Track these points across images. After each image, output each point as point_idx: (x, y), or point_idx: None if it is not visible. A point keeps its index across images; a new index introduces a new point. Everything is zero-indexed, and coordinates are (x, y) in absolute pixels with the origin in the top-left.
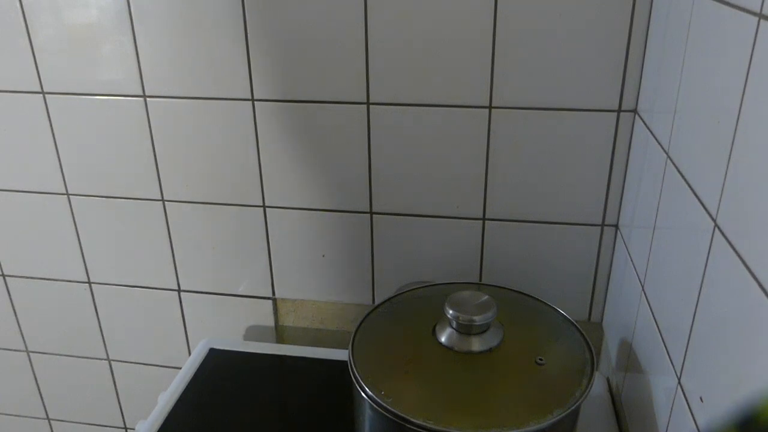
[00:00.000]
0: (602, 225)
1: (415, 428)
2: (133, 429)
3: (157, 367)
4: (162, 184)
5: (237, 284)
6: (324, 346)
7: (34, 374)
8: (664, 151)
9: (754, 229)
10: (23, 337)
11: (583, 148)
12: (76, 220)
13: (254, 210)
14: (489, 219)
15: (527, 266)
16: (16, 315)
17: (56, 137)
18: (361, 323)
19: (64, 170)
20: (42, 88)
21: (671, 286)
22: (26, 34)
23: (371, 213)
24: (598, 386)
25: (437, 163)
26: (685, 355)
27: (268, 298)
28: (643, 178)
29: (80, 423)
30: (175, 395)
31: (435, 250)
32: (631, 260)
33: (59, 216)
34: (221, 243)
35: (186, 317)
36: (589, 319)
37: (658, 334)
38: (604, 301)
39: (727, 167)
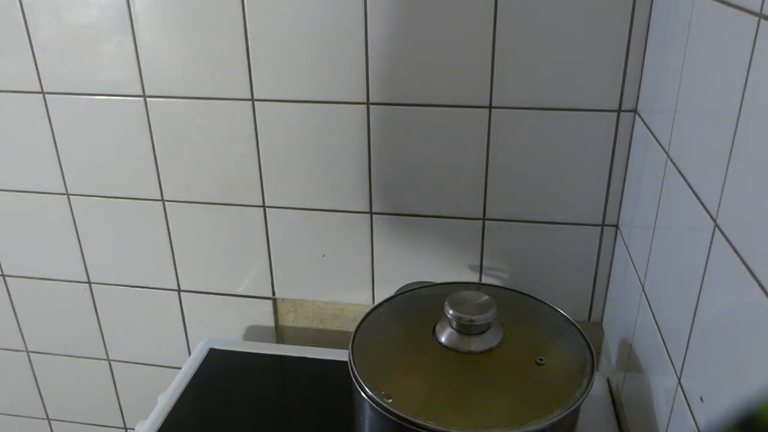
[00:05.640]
0: (602, 225)
1: (415, 428)
2: (133, 429)
3: (157, 367)
4: (162, 184)
5: (237, 284)
6: (324, 346)
7: (34, 374)
8: (664, 151)
9: (754, 229)
10: (23, 337)
11: (583, 148)
12: (76, 220)
13: (254, 210)
14: (489, 219)
15: (527, 266)
16: (16, 315)
17: (56, 137)
18: (361, 323)
19: (64, 170)
20: (42, 88)
21: (671, 286)
22: (26, 34)
23: (371, 213)
24: (598, 386)
25: (437, 163)
26: (685, 355)
27: (268, 298)
28: (643, 178)
29: (80, 423)
30: (175, 395)
31: (435, 250)
32: (631, 260)
33: (59, 216)
34: (221, 243)
35: (186, 317)
36: (589, 319)
37: (658, 334)
38: (604, 301)
39: (727, 167)
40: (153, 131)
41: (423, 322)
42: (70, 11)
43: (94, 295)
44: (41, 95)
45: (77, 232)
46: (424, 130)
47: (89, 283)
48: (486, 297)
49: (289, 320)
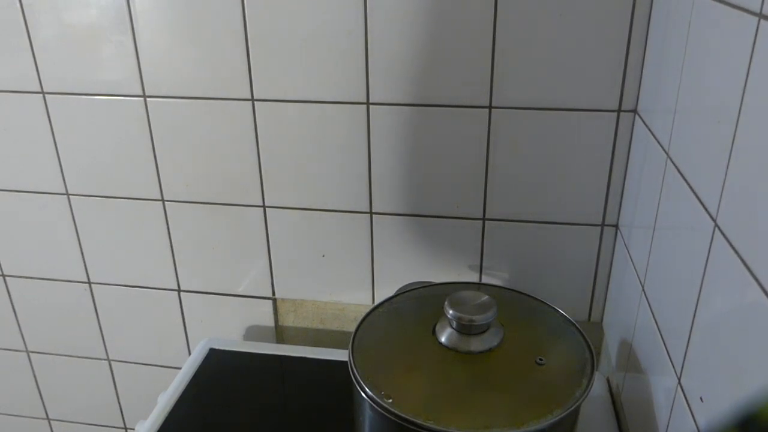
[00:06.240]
0: (602, 225)
1: (415, 428)
2: (133, 429)
3: (157, 367)
4: (162, 184)
5: (237, 284)
6: (324, 346)
7: (34, 374)
8: (664, 151)
9: (754, 229)
10: (23, 337)
11: (583, 148)
12: (76, 220)
13: (254, 210)
14: (489, 219)
15: (527, 266)
16: (16, 315)
17: (56, 137)
18: (361, 323)
19: (64, 170)
20: (42, 88)
21: (671, 286)
22: (26, 34)
23: (371, 213)
24: (598, 386)
25: (437, 163)
26: (685, 355)
27: (268, 298)
28: (643, 178)
29: (80, 423)
30: (175, 395)
31: (435, 250)
32: (631, 260)
33: (59, 216)
34: (221, 243)
35: (186, 317)
36: (589, 319)
37: (658, 334)
38: (604, 301)
39: (727, 167)
40: (153, 131)
41: (423, 322)
42: (70, 11)
43: (94, 295)
44: (41, 95)
45: (77, 232)
46: (424, 130)
47: (89, 283)
48: (486, 297)
49: (289, 320)
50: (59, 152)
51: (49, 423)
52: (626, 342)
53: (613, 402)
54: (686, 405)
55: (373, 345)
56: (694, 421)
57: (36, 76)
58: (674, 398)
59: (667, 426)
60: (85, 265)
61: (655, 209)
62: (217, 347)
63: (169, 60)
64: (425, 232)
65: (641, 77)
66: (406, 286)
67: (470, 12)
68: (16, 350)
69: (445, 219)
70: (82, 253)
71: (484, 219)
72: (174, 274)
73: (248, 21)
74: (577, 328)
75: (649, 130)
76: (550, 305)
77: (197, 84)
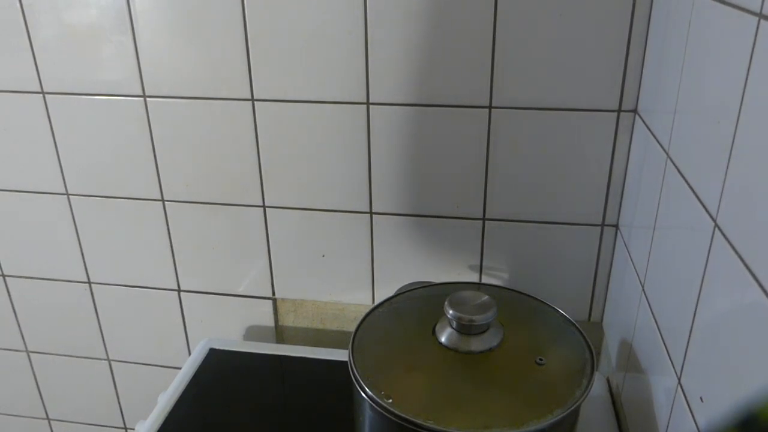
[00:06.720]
0: (602, 225)
1: (415, 428)
2: (133, 429)
3: (157, 367)
4: (162, 184)
5: (237, 284)
6: (324, 346)
7: (34, 374)
8: (664, 151)
9: (754, 229)
10: (23, 337)
11: (583, 148)
12: (76, 220)
13: (254, 210)
14: (489, 219)
15: (527, 266)
16: (16, 315)
17: (56, 137)
18: (361, 323)
19: (64, 170)
20: (42, 88)
21: (671, 286)
22: (26, 34)
23: (371, 213)
24: (598, 386)
25: (437, 163)
26: (685, 355)
27: (268, 298)
28: (643, 178)
29: (80, 423)
30: (175, 395)
31: (435, 250)
32: (631, 260)
33: (59, 216)
34: (221, 243)
35: (186, 317)
36: (589, 319)
37: (658, 334)
38: (604, 301)
39: (727, 167)
40: (153, 131)
41: (423, 322)
42: (70, 11)
43: (94, 295)
44: (41, 95)
45: (77, 232)
46: (424, 130)
47: (89, 283)
48: (486, 297)
49: (289, 320)
50: (59, 152)
51: (49, 423)
52: (626, 342)
53: (613, 402)
54: (686, 405)
55: (373, 345)
56: (694, 421)
57: (36, 76)
58: (674, 398)
59: (667, 426)
60: (85, 265)
61: (655, 209)
62: (217, 347)
63: (169, 60)
64: (425, 232)
65: (641, 77)
66: (406, 286)
67: (470, 12)
68: (16, 350)
69: (445, 219)
70: (82, 253)
71: (484, 219)
72: (174, 274)
73: (248, 21)
74: (577, 328)
75: (649, 130)
76: (550, 305)
77: (197, 84)
